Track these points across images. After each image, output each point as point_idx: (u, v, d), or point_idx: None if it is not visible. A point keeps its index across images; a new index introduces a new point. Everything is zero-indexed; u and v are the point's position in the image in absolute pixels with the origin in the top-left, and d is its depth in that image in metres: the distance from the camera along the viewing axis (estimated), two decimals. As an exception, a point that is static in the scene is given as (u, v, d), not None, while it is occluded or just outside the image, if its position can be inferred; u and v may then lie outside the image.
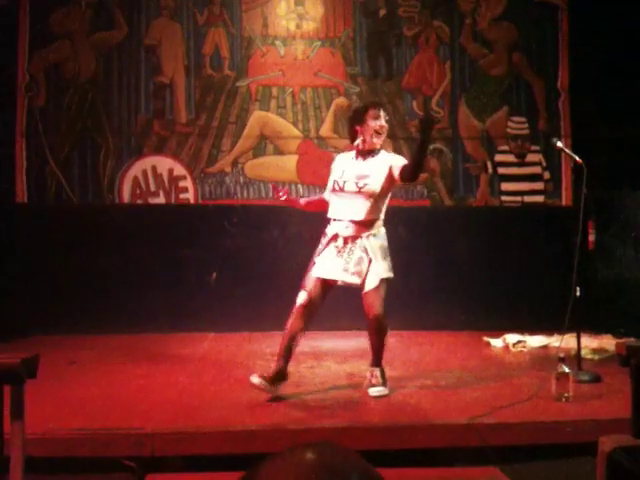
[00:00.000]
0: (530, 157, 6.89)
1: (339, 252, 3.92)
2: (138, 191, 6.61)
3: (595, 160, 4.68)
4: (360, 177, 3.92)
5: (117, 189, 6.58)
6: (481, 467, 3.19)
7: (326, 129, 6.79)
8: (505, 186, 6.87)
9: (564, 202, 6.82)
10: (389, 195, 4.06)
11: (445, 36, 6.95)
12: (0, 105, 6.33)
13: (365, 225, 3.94)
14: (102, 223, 6.33)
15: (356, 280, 3.91)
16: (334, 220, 3.98)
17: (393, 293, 6.29)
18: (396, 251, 6.46)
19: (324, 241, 3.99)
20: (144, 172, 6.62)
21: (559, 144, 4.72)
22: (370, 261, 3.92)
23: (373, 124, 3.95)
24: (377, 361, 4.10)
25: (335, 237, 3.95)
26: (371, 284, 3.92)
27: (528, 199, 6.85)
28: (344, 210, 3.94)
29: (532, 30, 6.95)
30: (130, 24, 6.68)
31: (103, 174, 6.57)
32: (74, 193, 6.53)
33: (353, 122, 4.05)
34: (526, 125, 6.90)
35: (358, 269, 3.90)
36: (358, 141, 4.00)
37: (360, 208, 3.92)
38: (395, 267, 6.50)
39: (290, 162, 6.73)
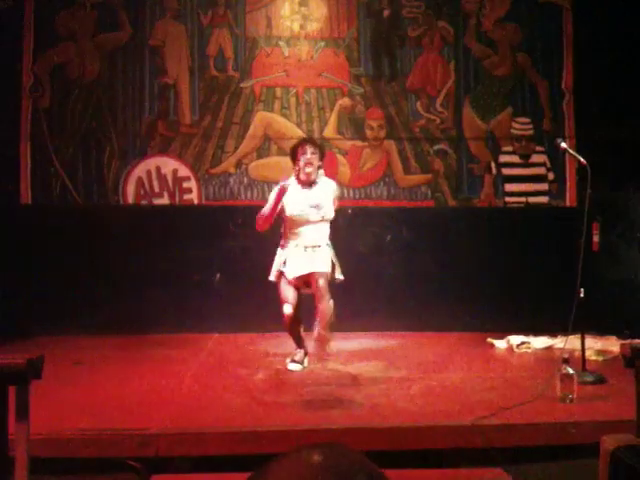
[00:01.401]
0: (534, 158, 6.88)
1: (305, 251, 4.54)
2: (142, 192, 6.62)
3: (600, 161, 4.67)
4: (315, 206, 4.55)
5: (121, 190, 6.59)
6: (486, 468, 3.19)
7: (330, 130, 6.79)
8: (509, 187, 6.86)
9: (568, 203, 6.81)
10: None
11: (449, 37, 6.94)
12: (5, 106, 6.34)
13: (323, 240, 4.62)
14: (106, 224, 6.33)
15: (324, 269, 4.47)
16: (294, 241, 4.59)
17: (397, 295, 6.34)
18: (400, 252, 6.52)
19: (283, 252, 4.64)
20: (148, 173, 6.63)
21: (563, 145, 4.71)
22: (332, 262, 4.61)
23: (302, 159, 4.60)
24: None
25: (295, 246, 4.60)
26: (324, 268, 4.50)
27: (532, 200, 6.84)
28: (306, 235, 4.56)
29: (537, 31, 6.94)
30: (134, 25, 6.69)
31: (108, 175, 6.59)
32: (79, 194, 6.54)
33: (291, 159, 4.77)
34: (530, 126, 6.89)
35: (326, 263, 4.52)
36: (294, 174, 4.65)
37: (322, 232, 4.59)
38: (399, 268, 6.54)
39: (294, 163, 6.72)
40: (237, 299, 6.19)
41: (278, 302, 4.64)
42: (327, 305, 4.36)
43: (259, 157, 6.75)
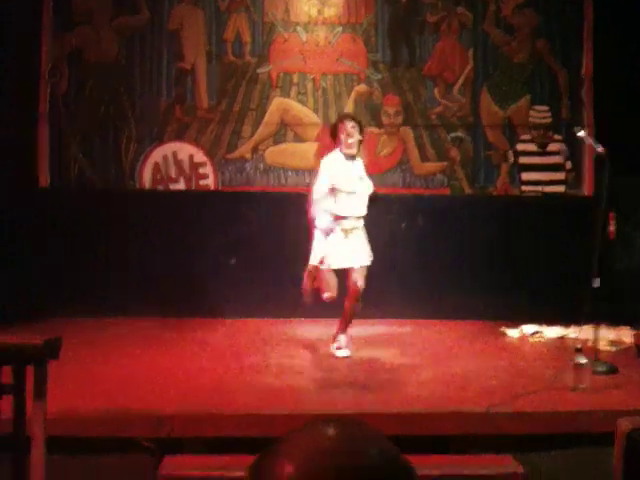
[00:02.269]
0: (552, 146, 6.82)
1: (345, 237, 4.67)
2: (159, 177, 6.65)
3: (618, 150, 4.63)
4: (361, 178, 4.76)
5: (138, 174, 6.63)
6: (496, 455, 3.20)
7: (347, 116, 6.77)
8: (526, 176, 6.81)
9: (585, 192, 6.74)
10: None
11: (468, 22, 6.87)
12: (23, 90, 6.38)
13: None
14: (123, 208, 6.38)
15: (365, 262, 4.68)
16: (343, 217, 4.69)
17: (411, 282, 6.33)
18: (415, 240, 6.51)
19: (330, 236, 4.69)
20: (165, 158, 6.65)
21: (581, 133, 4.68)
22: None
23: (343, 132, 4.73)
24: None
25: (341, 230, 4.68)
26: (365, 261, 4.71)
27: (549, 189, 6.79)
28: (353, 207, 4.69)
29: (556, 17, 6.85)
30: (152, 9, 6.68)
31: (125, 159, 6.62)
32: (96, 178, 6.59)
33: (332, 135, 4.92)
34: (549, 114, 6.82)
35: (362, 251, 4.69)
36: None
37: (364, 207, 4.75)
38: (414, 256, 6.54)
39: (310, 149, 6.73)
40: (253, 284, 6.22)
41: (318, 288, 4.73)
42: (353, 306, 4.59)
43: (275, 143, 6.75)
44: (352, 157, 4.78)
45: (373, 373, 4.27)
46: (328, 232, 4.69)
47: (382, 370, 4.35)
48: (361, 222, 4.76)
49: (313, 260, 4.76)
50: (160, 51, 6.71)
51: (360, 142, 4.80)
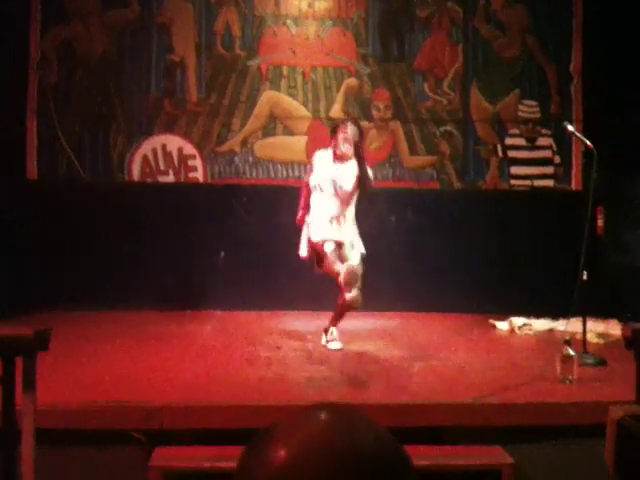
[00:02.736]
0: (541, 141, 6.86)
1: (337, 224, 4.66)
2: (148, 169, 6.64)
3: (606, 145, 4.67)
4: (339, 179, 4.65)
5: (127, 167, 6.61)
6: (485, 446, 3.22)
7: (336, 110, 6.78)
8: (515, 170, 6.85)
9: (574, 187, 6.80)
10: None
11: (458, 18, 6.90)
12: (12, 82, 6.34)
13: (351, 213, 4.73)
14: (112, 201, 6.36)
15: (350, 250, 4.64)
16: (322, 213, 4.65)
17: (401, 275, 6.35)
18: (404, 233, 6.53)
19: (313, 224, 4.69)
20: (154, 151, 6.64)
21: (570, 128, 4.70)
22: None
23: (341, 135, 4.67)
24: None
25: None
26: (356, 259, 4.62)
27: (538, 183, 6.83)
28: (330, 208, 4.66)
29: (546, 13, 6.89)
30: (142, 3, 6.66)
31: (113, 152, 6.60)
32: (84, 170, 6.56)
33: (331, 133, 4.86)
34: (537, 109, 6.86)
35: (354, 239, 4.69)
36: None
37: (347, 208, 4.71)
38: (403, 249, 6.55)
39: (299, 143, 6.73)
40: (241, 277, 6.22)
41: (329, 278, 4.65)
42: (345, 300, 4.45)
43: (265, 136, 6.75)
44: (343, 159, 4.72)
45: (363, 365, 4.28)
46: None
47: (372, 362, 4.37)
48: (348, 217, 4.72)
49: (302, 251, 4.79)
50: (150, 45, 6.69)
51: (356, 147, 4.69)
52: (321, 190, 4.68)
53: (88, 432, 3.14)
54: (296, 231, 4.93)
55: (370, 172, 4.75)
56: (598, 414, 3.32)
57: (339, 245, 4.62)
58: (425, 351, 4.72)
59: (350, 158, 4.69)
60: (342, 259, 4.56)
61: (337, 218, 4.66)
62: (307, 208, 4.79)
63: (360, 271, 4.49)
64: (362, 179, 4.63)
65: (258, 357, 4.47)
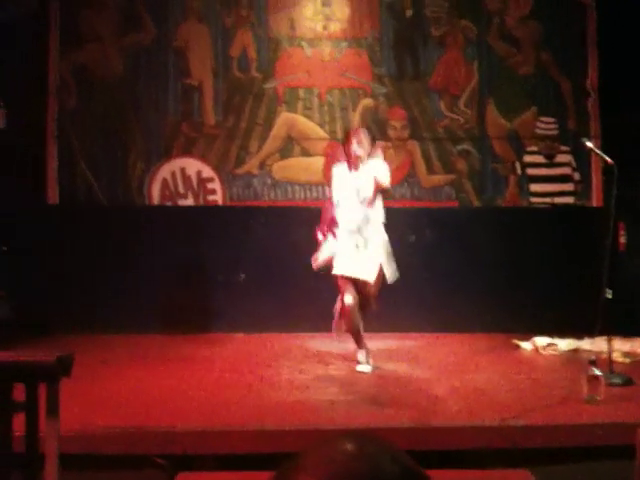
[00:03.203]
0: (559, 158, 6.81)
1: (359, 248, 4.62)
2: (167, 193, 6.67)
3: (626, 160, 4.62)
4: (358, 188, 4.65)
5: (146, 191, 6.64)
6: (512, 469, 3.17)
7: (353, 130, 6.77)
8: (534, 187, 6.80)
9: (594, 203, 6.73)
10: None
11: (472, 35, 6.90)
12: (32, 108, 6.42)
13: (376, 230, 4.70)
14: (132, 224, 6.39)
15: (370, 278, 4.60)
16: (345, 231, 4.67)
17: (421, 296, 6.31)
18: (424, 252, 6.49)
19: (335, 243, 4.69)
20: (173, 174, 6.67)
21: (589, 144, 4.67)
22: (381, 265, 4.65)
23: (354, 140, 4.72)
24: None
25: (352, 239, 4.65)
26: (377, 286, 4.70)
27: (558, 200, 6.78)
28: (354, 221, 4.66)
29: (560, 29, 6.87)
30: (158, 27, 6.74)
31: (132, 176, 6.64)
32: (104, 194, 6.60)
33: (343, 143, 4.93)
34: (555, 125, 6.82)
35: (374, 270, 4.60)
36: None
37: (370, 217, 4.68)
38: (423, 268, 6.51)
39: (317, 163, 6.74)
40: (261, 299, 6.21)
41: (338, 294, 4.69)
42: (349, 322, 4.59)
43: (282, 157, 6.76)
44: (357, 164, 4.74)
45: (386, 387, 4.24)
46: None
47: (395, 384, 4.32)
48: (373, 234, 4.67)
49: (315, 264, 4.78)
50: (166, 68, 6.76)
51: (370, 147, 4.75)
52: (344, 202, 4.68)
53: (111, 457, 3.13)
54: (314, 252, 4.94)
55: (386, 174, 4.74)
56: (626, 435, 3.26)
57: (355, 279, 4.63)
58: (448, 372, 4.67)
59: (364, 161, 4.73)
60: (357, 288, 4.63)
61: (360, 231, 4.63)
62: (329, 223, 4.78)
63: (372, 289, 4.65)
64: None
65: (279, 380, 4.44)
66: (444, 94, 6.87)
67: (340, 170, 4.82)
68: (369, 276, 4.59)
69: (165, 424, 3.31)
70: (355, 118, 6.80)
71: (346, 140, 4.83)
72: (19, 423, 2.52)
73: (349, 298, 4.57)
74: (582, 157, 6.66)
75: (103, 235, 6.30)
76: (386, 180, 4.70)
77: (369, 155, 4.75)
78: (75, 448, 2.97)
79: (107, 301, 6.12)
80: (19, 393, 2.52)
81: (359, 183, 4.68)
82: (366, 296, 4.71)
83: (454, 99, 6.87)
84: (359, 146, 4.70)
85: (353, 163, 4.74)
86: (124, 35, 6.71)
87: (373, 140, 4.87)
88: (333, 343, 5.04)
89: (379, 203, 4.75)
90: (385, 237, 4.74)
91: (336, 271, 4.62)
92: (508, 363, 5.05)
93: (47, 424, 2.53)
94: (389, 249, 4.73)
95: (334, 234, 4.75)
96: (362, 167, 4.72)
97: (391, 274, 4.69)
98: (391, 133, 6.81)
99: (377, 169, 4.70)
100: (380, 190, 4.72)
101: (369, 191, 4.65)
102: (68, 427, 2.85)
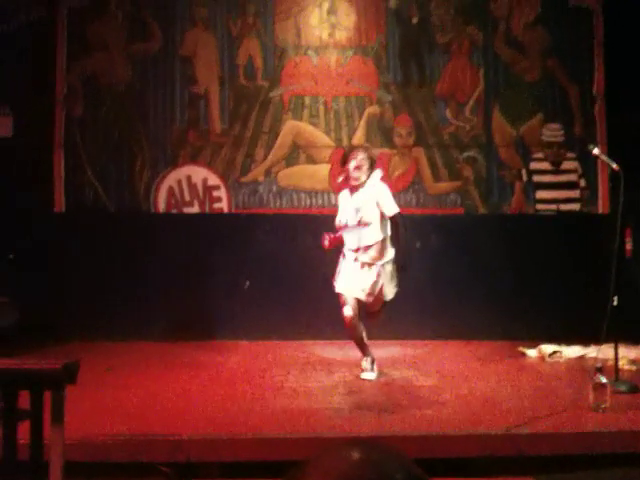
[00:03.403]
0: (566, 164, 6.80)
1: (360, 269, 4.64)
2: (173, 201, 6.69)
3: (632, 167, 4.61)
4: (356, 209, 4.64)
5: (153, 198, 6.67)
6: (518, 477, 3.15)
7: (358, 138, 6.79)
8: (540, 194, 6.79)
9: (601, 210, 6.71)
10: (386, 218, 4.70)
11: (478, 42, 6.90)
12: (39, 115, 6.46)
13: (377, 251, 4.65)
14: (138, 232, 6.41)
15: (370, 300, 4.67)
16: (348, 251, 4.71)
17: (426, 303, 6.30)
18: (429, 259, 6.48)
19: (342, 262, 4.74)
20: (179, 182, 6.69)
21: (595, 151, 4.66)
22: (382, 285, 4.67)
23: (351, 163, 4.67)
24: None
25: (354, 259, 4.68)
26: (379, 303, 4.77)
27: (564, 207, 6.76)
28: (352, 241, 4.67)
29: (567, 35, 6.87)
30: (165, 35, 6.77)
31: (139, 183, 6.67)
32: (111, 202, 6.63)
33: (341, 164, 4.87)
34: (561, 132, 6.81)
35: (372, 290, 4.64)
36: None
37: (369, 236, 4.64)
38: (428, 275, 6.49)
39: (323, 171, 6.75)
40: (267, 306, 6.21)
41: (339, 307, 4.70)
42: (350, 331, 4.65)
43: (288, 165, 6.78)
44: (357, 188, 4.70)
45: (391, 395, 4.23)
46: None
47: (400, 392, 4.31)
48: (376, 253, 4.63)
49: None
50: (173, 76, 6.79)
51: (369, 174, 4.67)
52: (347, 226, 4.66)
53: (115, 465, 3.13)
54: (319, 260, 4.94)
55: (391, 201, 4.69)
56: (633, 443, 3.24)
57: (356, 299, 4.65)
58: (454, 380, 4.66)
59: (363, 184, 4.68)
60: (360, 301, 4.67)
61: (362, 251, 4.63)
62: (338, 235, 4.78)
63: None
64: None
65: (284, 387, 4.44)
66: (450, 101, 6.87)
67: (344, 195, 4.82)
68: (368, 297, 4.63)
69: (170, 432, 3.31)
70: (361, 125, 6.81)
71: (344, 161, 4.78)
72: (24, 431, 2.53)
73: (348, 310, 4.58)
74: (588, 164, 6.65)
75: (109, 243, 6.33)
76: (391, 210, 4.65)
77: (368, 176, 4.68)
78: (80, 456, 2.98)
79: (113, 308, 6.14)
80: (24, 400, 2.52)
81: (357, 205, 4.65)
82: (371, 307, 4.76)
83: (460, 106, 6.87)
84: (357, 171, 4.64)
85: (353, 187, 4.71)
86: (131, 43, 6.75)
87: (372, 163, 4.72)
88: (338, 351, 5.03)
89: (385, 222, 4.68)
90: (391, 255, 4.69)
91: (338, 289, 4.68)
92: (514, 370, 5.04)
93: (52, 432, 2.53)
94: (393, 270, 4.71)
95: (341, 241, 4.75)
96: (362, 190, 4.67)
97: (390, 292, 4.72)
98: (397, 140, 6.81)
99: (379, 197, 4.64)
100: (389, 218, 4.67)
101: (368, 216, 4.61)
102: (73, 435, 2.85)
